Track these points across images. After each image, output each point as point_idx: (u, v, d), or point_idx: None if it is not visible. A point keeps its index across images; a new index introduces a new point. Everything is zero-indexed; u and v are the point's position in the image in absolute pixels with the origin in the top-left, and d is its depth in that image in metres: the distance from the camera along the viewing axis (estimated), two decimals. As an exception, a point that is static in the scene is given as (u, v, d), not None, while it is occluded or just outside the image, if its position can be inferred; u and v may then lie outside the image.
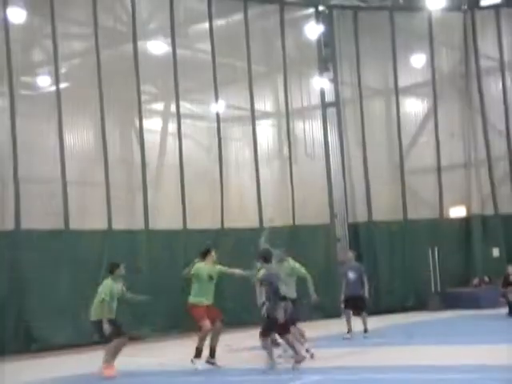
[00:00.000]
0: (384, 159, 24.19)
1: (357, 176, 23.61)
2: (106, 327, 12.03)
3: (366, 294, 16.05)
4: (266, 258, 12.06)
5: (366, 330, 16.03)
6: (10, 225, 17.12)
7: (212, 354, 12.52)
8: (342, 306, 16.72)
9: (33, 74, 19.17)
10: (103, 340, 12.47)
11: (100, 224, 18.51)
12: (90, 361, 15.42)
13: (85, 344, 17.28)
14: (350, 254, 16.96)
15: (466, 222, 24.30)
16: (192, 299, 12.58)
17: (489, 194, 24.35)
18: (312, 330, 18.41)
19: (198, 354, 12.30)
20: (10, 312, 16.69)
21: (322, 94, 23.37)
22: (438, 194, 24.09)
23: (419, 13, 24.20)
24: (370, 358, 13.32)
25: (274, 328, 11.86)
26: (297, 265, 13.69)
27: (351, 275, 16.10)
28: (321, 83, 23.35)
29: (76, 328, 17.57)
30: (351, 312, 16.03)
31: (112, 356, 12.21)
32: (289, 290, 12.88)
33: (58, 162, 18.02)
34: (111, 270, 12.53)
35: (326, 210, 22.78)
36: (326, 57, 23.80)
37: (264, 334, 11.74)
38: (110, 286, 12.33)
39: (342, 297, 16.42)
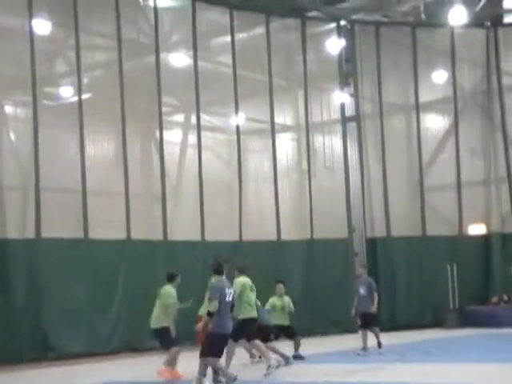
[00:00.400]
0: (403, 174, 24.15)
1: (376, 191, 23.57)
2: (174, 332, 12.60)
3: (375, 310, 15.98)
4: (217, 270, 11.36)
5: (379, 345, 15.96)
6: (30, 233, 17.26)
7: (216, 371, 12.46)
8: (358, 322, 16.68)
9: (56, 84, 19.39)
10: (164, 347, 12.87)
11: (119, 234, 18.60)
12: (106, 369, 15.54)
13: (101, 353, 17.39)
14: (360, 270, 16.94)
15: (485, 239, 24.17)
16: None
17: (509, 211, 24.17)
18: (328, 344, 18.44)
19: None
20: (28, 320, 16.76)
21: (343, 108, 23.39)
22: (457, 210, 23.99)
23: (441, 29, 24.14)
24: (385, 374, 13.26)
25: (223, 347, 11.08)
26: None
27: (362, 291, 16.08)
28: (341, 98, 23.37)
29: (93, 337, 17.71)
30: (367, 330, 15.99)
31: (172, 361, 12.59)
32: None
33: (79, 171, 18.13)
34: (171, 278, 12.91)
35: (344, 225, 22.76)
36: (347, 71, 23.85)
37: (215, 355, 10.93)
38: (173, 292, 12.75)
39: (353, 312, 16.40)
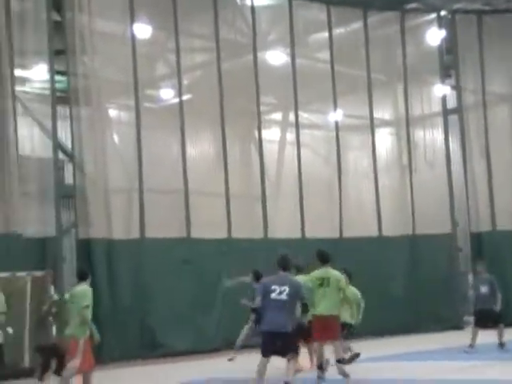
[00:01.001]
0: (509, 166, 23.41)
1: (480, 184, 22.98)
2: None
3: (498, 307, 15.61)
4: (285, 266, 10.49)
5: (501, 344, 15.51)
6: (135, 233, 17.74)
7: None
8: (473, 319, 16.33)
9: (157, 87, 19.81)
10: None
11: (220, 233, 18.87)
12: (211, 366, 15.77)
13: (207, 350, 17.66)
14: (481, 268, 16.59)
15: None
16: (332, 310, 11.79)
17: None
18: (432, 341, 18.15)
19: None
20: (136, 318, 17.24)
21: (444, 101, 22.94)
22: None
23: (548, 14, 23.30)
24: (492, 372, 12.96)
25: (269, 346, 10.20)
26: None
27: (483, 289, 15.77)
28: (442, 90, 22.92)
29: (197, 334, 18.02)
30: (479, 329, 15.66)
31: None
32: None
33: (181, 172, 18.51)
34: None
35: (447, 219, 22.35)
36: (448, 63, 23.35)
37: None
38: None
39: (471, 308, 16.15)
